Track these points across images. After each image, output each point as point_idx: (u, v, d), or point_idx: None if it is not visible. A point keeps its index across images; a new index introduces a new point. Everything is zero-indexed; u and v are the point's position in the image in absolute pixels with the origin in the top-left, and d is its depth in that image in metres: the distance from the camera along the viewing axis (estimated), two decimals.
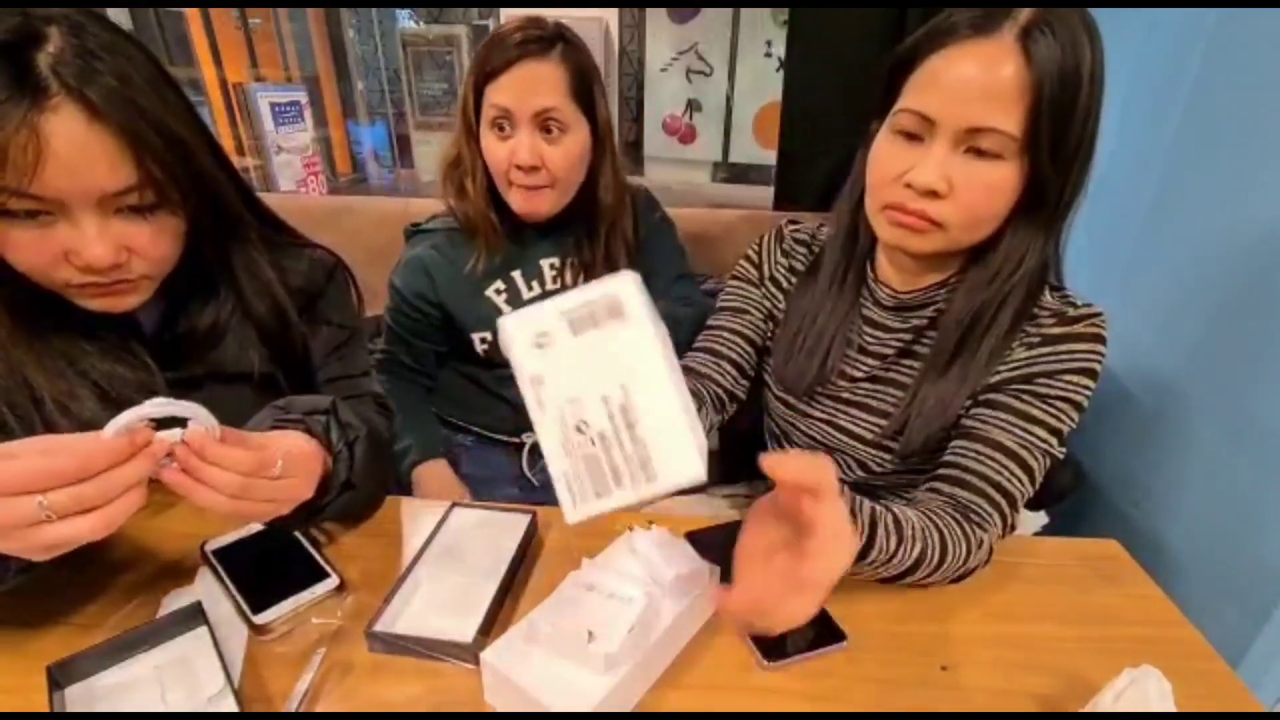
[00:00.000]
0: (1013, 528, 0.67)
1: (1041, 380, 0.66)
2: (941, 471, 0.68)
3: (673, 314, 1.10)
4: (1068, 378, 0.66)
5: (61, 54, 0.52)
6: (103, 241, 0.55)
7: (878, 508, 0.57)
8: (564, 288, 1.06)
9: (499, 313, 1.05)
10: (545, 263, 1.08)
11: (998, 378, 0.68)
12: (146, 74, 0.56)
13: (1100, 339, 0.67)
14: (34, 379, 0.60)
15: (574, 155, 0.98)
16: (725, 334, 0.84)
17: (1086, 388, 0.66)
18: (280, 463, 0.54)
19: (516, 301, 1.08)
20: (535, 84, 0.93)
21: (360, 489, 0.66)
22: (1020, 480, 0.65)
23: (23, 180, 0.51)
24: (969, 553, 0.61)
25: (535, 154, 0.95)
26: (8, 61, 0.50)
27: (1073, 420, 0.67)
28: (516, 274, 1.07)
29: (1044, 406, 0.66)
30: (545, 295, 1.07)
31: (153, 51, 0.59)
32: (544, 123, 0.95)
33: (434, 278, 1.07)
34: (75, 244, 0.55)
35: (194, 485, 0.50)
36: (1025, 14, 0.59)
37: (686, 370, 0.82)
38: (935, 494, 0.66)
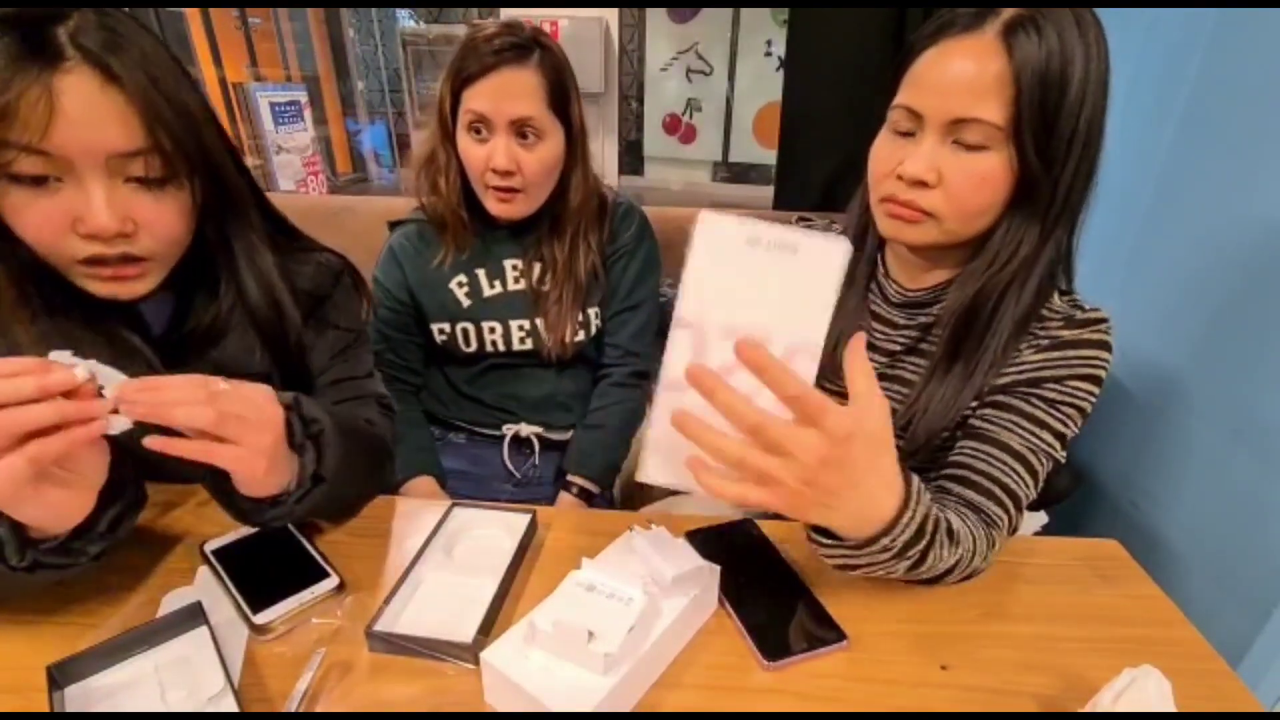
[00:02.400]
0: (1015, 529, 0.67)
1: (1050, 385, 0.67)
2: (949, 471, 0.68)
3: (623, 403, 1.15)
4: (1075, 384, 0.67)
5: (83, 25, 0.54)
6: (109, 208, 0.56)
7: (938, 512, 0.57)
8: (528, 287, 1.08)
9: (460, 305, 1.08)
10: (509, 262, 1.09)
11: (1006, 379, 0.68)
12: (164, 59, 0.58)
13: (1107, 346, 0.67)
14: None
15: (549, 162, 0.99)
16: None
17: (1092, 394, 0.67)
18: (222, 383, 0.54)
19: (477, 296, 1.09)
20: (512, 92, 0.94)
21: (334, 483, 0.64)
22: (1025, 482, 0.66)
23: (33, 137, 0.52)
24: (984, 557, 0.62)
25: (512, 159, 0.96)
26: (28, 31, 0.52)
27: (1076, 425, 0.67)
28: (480, 271, 1.09)
29: (1052, 411, 0.67)
30: (506, 293, 1.09)
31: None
32: (520, 129, 0.96)
33: (403, 266, 1.09)
34: (81, 209, 0.56)
35: (164, 407, 0.50)
36: (1010, 11, 0.60)
37: None
38: (945, 494, 0.67)
